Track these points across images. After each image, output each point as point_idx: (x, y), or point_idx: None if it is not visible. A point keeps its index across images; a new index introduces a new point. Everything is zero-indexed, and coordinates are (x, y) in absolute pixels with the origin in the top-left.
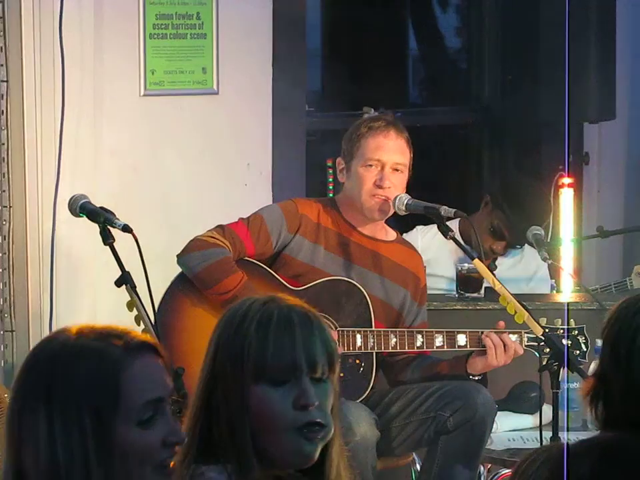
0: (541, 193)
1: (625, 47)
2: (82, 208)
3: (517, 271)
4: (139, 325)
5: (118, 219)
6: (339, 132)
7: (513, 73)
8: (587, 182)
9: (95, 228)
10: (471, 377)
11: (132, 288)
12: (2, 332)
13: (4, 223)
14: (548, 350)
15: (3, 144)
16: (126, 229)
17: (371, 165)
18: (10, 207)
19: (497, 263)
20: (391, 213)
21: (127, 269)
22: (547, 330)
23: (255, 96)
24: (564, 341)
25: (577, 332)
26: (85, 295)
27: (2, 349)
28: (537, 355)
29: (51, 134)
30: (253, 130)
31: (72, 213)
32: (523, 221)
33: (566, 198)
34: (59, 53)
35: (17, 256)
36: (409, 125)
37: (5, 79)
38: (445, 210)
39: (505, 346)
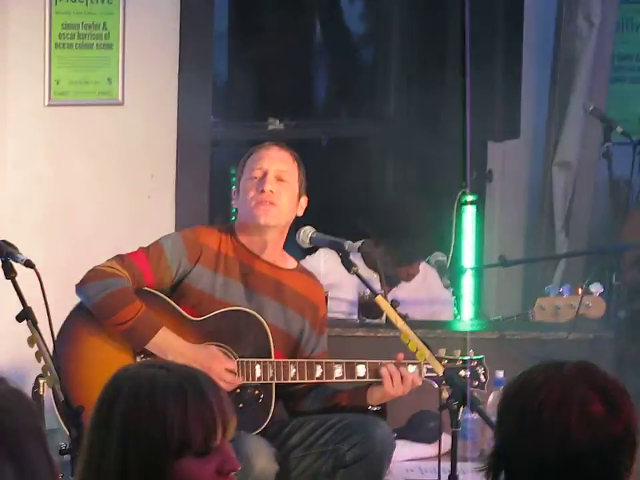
0: (443, 212)
1: (530, 66)
2: None
3: (419, 293)
4: (39, 361)
5: (20, 254)
6: (244, 142)
7: (419, 88)
8: (490, 200)
9: None
10: (370, 407)
11: (33, 324)
12: None
13: None
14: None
15: None
16: (28, 264)
17: (254, 177)
18: None
19: (399, 286)
20: (280, 222)
21: (28, 303)
22: (446, 366)
23: (160, 107)
24: (462, 373)
25: (476, 363)
26: None
27: None
28: (436, 386)
29: None
30: (158, 141)
31: None
32: (424, 241)
33: (468, 216)
34: None
35: None
36: (314, 137)
37: None
38: (349, 245)
39: (402, 376)
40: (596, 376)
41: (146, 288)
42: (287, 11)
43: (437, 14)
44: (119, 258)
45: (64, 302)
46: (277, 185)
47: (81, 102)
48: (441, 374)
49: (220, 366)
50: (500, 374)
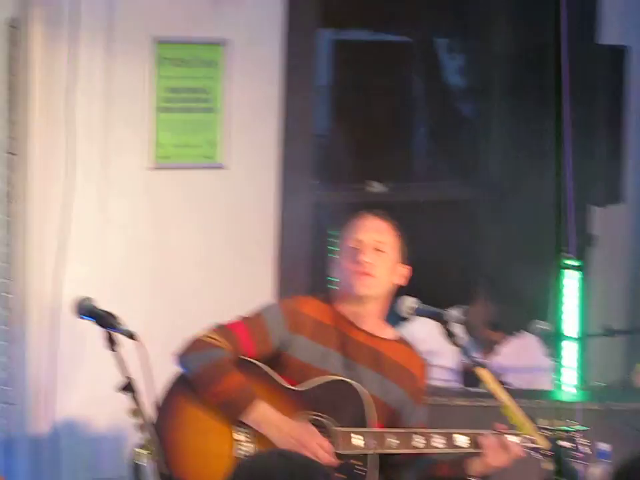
0: (544, 279)
1: (633, 130)
2: (87, 311)
3: (519, 360)
4: (140, 433)
5: (122, 325)
6: (345, 205)
7: (522, 150)
8: (592, 266)
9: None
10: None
11: (135, 396)
12: (2, 404)
13: (7, 295)
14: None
15: (9, 217)
16: (130, 335)
17: (352, 247)
18: (12, 280)
19: (499, 353)
20: (378, 293)
21: (130, 373)
22: (550, 438)
23: (261, 170)
24: (566, 444)
25: (580, 435)
26: (87, 369)
27: (1, 422)
28: (539, 458)
29: (57, 207)
30: (259, 204)
31: (77, 316)
32: (521, 310)
33: (571, 282)
34: (67, 127)
35: (19, 330)
36: (414, 200)
37: (13, 152)
38: (450, 316)
39: (503, 446)
40: None
41: (246, 358)
42: (387, 69)
43: (536, 72)
44: (219, 328)
45: (165, 369)
46: (374, 255)
47: (184, 165)
48: (544, 447)
49: (314, 443)
50: (604, 446)
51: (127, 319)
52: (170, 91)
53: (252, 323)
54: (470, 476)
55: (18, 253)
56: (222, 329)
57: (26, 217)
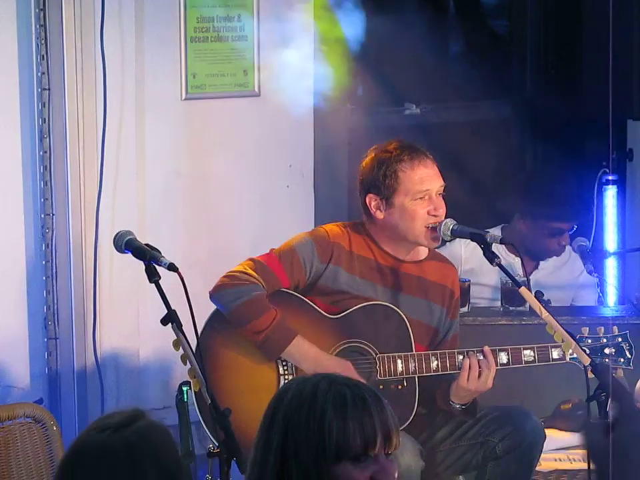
0: (584, 193)
1: None
2: (127, 245)
3: (561, 275)
4: (185, 364)
5: (163, 257)
6: (381, 129)
7: (556, 67)
8: (631, 179)
9: None
10: (451, 403)
11: (178, 327)
12: (46, 339)
13: (47, 230)
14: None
15: (45, 152)
16: (171, 267)
17: (421, 198)
18: (52, 214)
19: (540, 268)
20: None
21: (172, 305)
22: (592, 346)
23: (296, 97)
24: (607, 350)
25: (620, 339)
26: (129, 301)
27: (46, 357)
28: (582, 368)
29: (93, 140)
30: (295, 131)
31: (117, 249)
32: (569, 207)
33: (609, 195)
34: (100, 60)
35: (60, 264)
36: (450, 120)
37: (47, 87)
38: (490, 237)
39: (479, 370)
40: None
41: (283, 289)
42: None
43: None
44: (252, 262)
45: (206, 300)
46: (441, 202)
47: (218, 95)
48: (587, 364)
49: None
50: None
51: (166, 250)
52: (201, 20)
53: (284, 255)
54: (452, 401)
55: (57, 187)
56: (255, 263)
57: (65, 152)
